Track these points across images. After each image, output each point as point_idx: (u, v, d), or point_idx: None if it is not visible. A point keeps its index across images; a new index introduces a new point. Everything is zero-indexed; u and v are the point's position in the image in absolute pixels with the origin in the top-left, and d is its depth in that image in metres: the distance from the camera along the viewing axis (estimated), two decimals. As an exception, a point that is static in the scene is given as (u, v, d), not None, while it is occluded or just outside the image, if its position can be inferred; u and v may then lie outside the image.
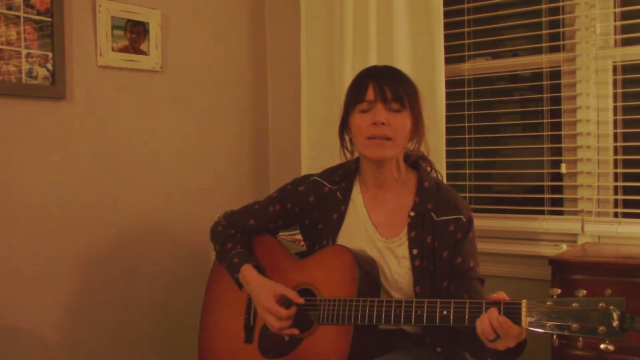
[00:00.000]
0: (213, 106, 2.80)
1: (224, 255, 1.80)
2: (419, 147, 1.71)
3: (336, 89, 2.57)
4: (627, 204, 2.27)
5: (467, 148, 2.59)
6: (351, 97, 1.67)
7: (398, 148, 1.63)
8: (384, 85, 1.60)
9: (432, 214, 1.63)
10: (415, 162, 1.73)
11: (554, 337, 1.26)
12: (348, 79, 2.49)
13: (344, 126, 1.71)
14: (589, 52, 2.32)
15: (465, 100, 2.58)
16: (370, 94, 1.61)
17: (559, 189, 2.42)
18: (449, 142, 2.42)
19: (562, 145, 2.41)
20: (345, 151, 1.76)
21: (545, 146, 2.43)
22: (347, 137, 1.74)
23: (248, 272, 1.72)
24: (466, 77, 2.59)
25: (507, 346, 1.32)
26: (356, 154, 1.76)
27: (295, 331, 1.62)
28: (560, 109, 2.41)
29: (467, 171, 2.61)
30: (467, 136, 2.59)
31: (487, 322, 1.32)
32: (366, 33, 2.49)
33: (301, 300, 1.62)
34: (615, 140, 2.30)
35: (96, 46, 2.37)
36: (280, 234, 1.93)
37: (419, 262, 1.61)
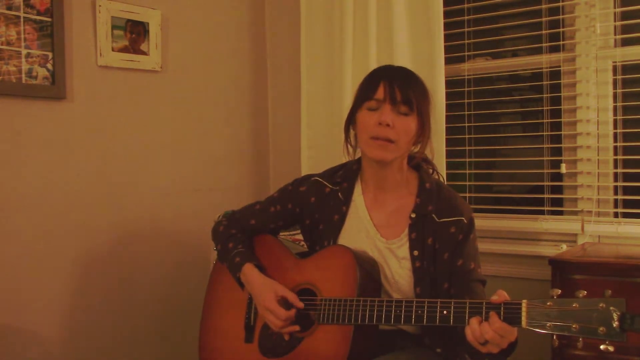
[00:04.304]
0: (213, 106, 2.80)
1: (226, 254, 1.80)
2: (424, 150, 1.69)
3: (336, 89, 2.57)
4: (627, 204, 2.27)
5: (467, 148, 2.59)
6: (361, 93, 1.66)
7: (400, 151, 1.62)
8: (395, 86, 1.58)
9: (433, 215, 1.62)
10: (417, 163, 1.73)
11: (554, 337, 1.26)
12: (348, 79, 2.51)
13: (351, 120, 1.70)
14: (589, 52, 2.32)
15: (465, 100, 2.58)
16: (380, 93, 1.60)
17: (559, 189, 2.43)
18: (449, 142, 2.41)
19: (562, 145, 2.41)
20: (349, 146, 1.75)
21: (545, 146, 2.43)
22: (352, 133, 1.73)
23: (250, 271, 1.72)
24: (466, 77, 2.59)
25: (500, 348, 1.32)
26: (358, 152, 1.75)
27: (296, 328, 1.62)
28: (560, 109, 2.41)
29: (467, 171, 2.61)
30: (467, 136, 2.59)
31: (477, 327, 1.32)
32: (366, 33, 2.49)
33: (300, 305, 1.62)
34: (615, 140, 2.30)
35: (96, 46, 2.37)
36: (281, 234, 1.93)
37: (420, 263, 1.61)
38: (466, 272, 1.60)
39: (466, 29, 2.58)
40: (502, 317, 1.31)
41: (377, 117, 1.59)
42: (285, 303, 1.64)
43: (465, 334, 1.35)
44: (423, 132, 1.64)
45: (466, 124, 2.59)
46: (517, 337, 1.34)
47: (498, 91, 2.62)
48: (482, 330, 1.32)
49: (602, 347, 1.21)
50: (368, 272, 1.60)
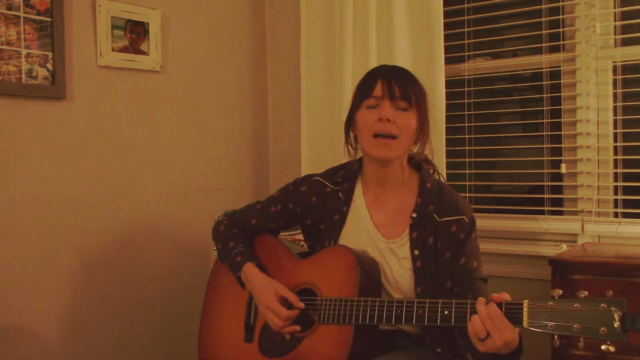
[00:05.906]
0: (213, 106, 2.80)
1: (226, 254, 1.80)
2: (423, 150, 1.70)
3: (336, 89, 2.57)
4: (627, 204, 2.27)
5: (467, 148, 2.59)
6: (359, 92, 1.66)
7: (403, 148, 1.62)
8: (392, 82, 1.59)
9: (434, 215, 1.62)
10: (417, 163, 1.73)
11: (555, 337, 1.26)
12: (348, 79, 2.51)
13: (350, 122, 1.71)
14: (589, 52, 2.33)
15: (465, 100, 2.59)
16: (378, 90, 1.60)
17: (559, 189, 2.43)
18: (449, 142, 2.42)
19: (562, 145, 2.41)
20: (349, 147, 1.76)
21: (545, 146, 2.44)
22: (352, 134, 1.73)
23: (250, 270, 1.72)
24: (466, 77, 2.59)
25: (495, 346, 1.29)
26: (359, 153, 1.75)
27: (297, 328, 1.62)
28: (560, 109, 2.41)
29: (467, 171, 2.61)
30: (467, 136, 2.59)
31: (477, 319, 1.31)
32: (366, 33, 2.49)
33: (301, 305, 1.62)
34: (615, 140, 2.30)
35: (96, 46, 2.37)
36: (281, 234, 1.93)
37: (421, 263, 1.61)
38: (469, 271, 1.60)
39: (466, 29, 2.58)
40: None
41: (377, 114, 1.59)
42: (286, 302, 1.64)
43: (467, 326, 1.35)
44: (423, 129, 1.65)
45: (466, 124, 2.59)
46: (519, 348, 1.34)
47: (498, 91, 2.62)
48: (481, 317, 1.30)
49: (603, 347, 1.21)
50: (368, 272, 1.60)
